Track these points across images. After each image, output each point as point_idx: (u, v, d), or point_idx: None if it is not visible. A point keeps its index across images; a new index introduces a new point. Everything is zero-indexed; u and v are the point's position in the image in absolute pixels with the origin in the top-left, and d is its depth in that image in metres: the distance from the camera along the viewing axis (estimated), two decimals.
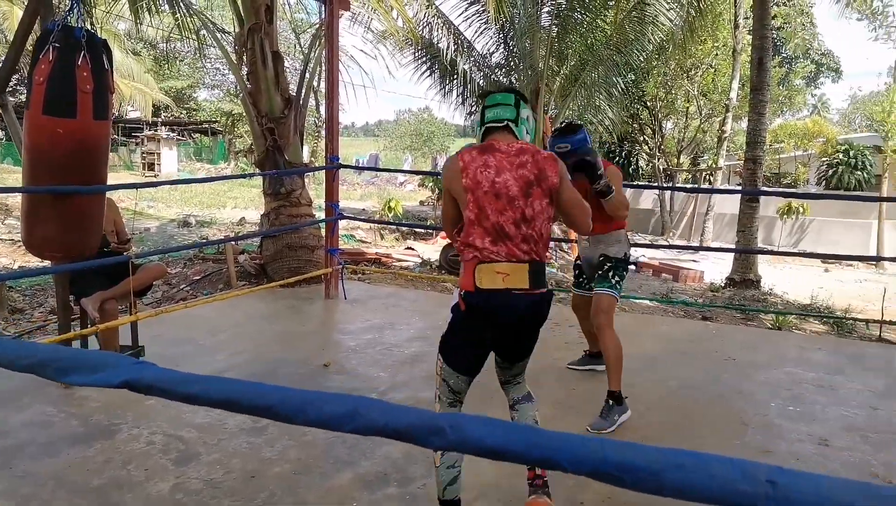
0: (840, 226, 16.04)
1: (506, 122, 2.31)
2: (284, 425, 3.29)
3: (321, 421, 0.72)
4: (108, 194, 3.73)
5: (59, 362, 0.87)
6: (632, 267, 3.71)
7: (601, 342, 3.43)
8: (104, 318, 3.72)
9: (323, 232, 6.36)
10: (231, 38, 7.87)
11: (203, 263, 7.48)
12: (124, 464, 2.84)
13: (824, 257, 9.98)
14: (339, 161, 5.91)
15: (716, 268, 11.89)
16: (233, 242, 7.18)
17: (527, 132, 2.37)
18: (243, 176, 6.30)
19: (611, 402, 3.31)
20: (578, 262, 3.91)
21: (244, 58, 6.61)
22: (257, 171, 6.99)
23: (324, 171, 6.01)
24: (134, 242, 10.03)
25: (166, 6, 7.63)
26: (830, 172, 18.36)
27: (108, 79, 3.11)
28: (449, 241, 10.20)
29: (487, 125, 2.34)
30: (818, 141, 21.14)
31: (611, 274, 3.50)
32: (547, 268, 9.45)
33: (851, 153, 18.12)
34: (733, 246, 10.45)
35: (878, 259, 13.00)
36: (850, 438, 3.30)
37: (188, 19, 7.76)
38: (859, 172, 17.94)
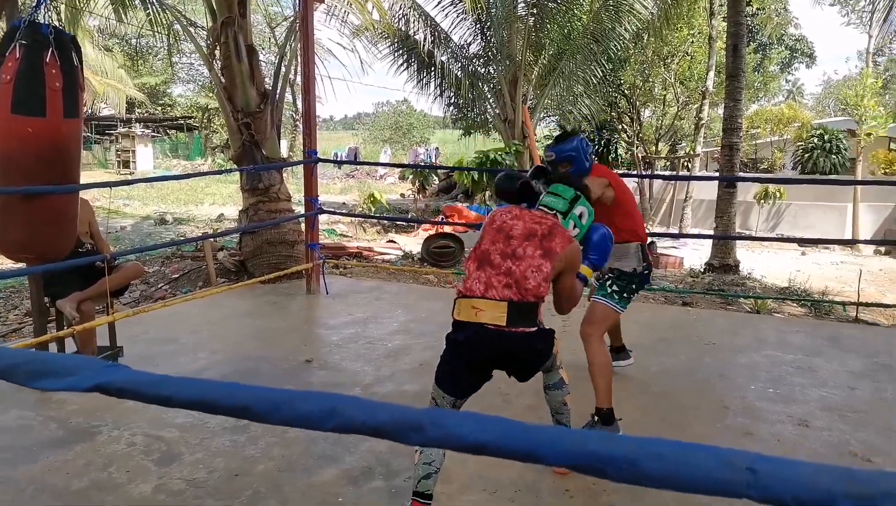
0: (816, 209, 16.27)
1: (555, 213, 2.49)
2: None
3: (298, 420, 0.71)
4: (82, 194, 3.67)
5: (29, 367, 0.85)
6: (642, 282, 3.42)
7: (587, 354, 3.16)
8: (81, 319, 3.66)
9: (303, 227, 6.32)
10: (205, 32, 7.75)
11: (181, 260, 7.39)
12: (105, 466, 2.80)
13: (800, 241, 10.13)
14: (318, 155, 5.86)
15: (695, 254, 12.01)
16: (211, 239, 7.10)
17: (574, 227, 2.49)
18: (219, 172, 6.24)
19: (596, 418, 3.06)
20: None
21: (218, 52, 6.51)
22: (234, 166, 6.91)
23: (302, 165, 5.95)
24: (109, 241, 9.90)
25: (138, 1, 7.52)
26: (806, 156, 18.58)
27: (79, 76, 3.05)
28: (431, 232, 10.18)
29: (543, 209, 2.52)
30: (793, 126, 21.40)
31: (609, 283, 3.28)
32: None
33: (826, 137, 18.34)
34: (711, 232, 10.54)
35: (852, 242, 13.21)
36: (828, 418, 3.36)
37: (161, 15, 7.65)
38: (834, 156, 18.17)
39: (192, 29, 8.04)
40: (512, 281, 2.25)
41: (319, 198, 5.98)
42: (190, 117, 30.32)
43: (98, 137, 29.62)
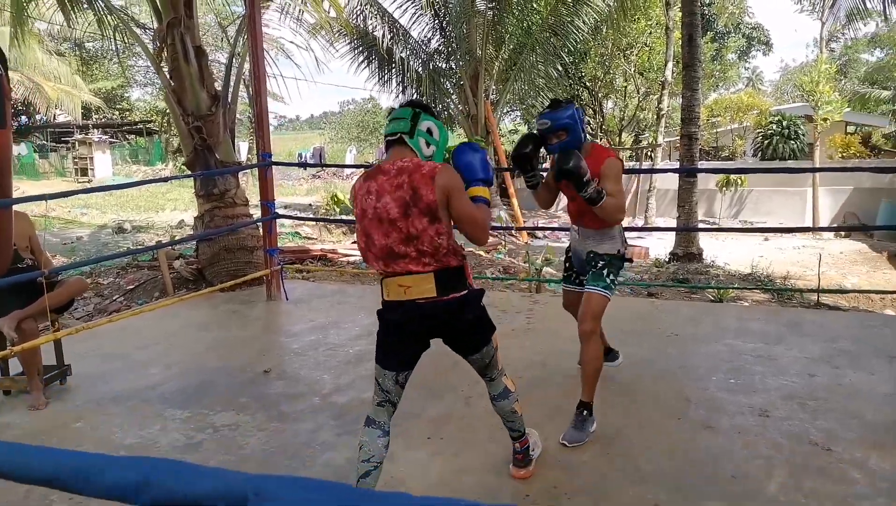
0: (777, 195, 16.53)
1: (399, 135, 2.30)
2: (221, 439, 3.11)
3: (106, 491, 0.62)
4: (22, 207, 3.50)
5: None
6: (627, 263, 3.33)
7: (584, 350, 3.06)
8: (22, 338, 3.50)
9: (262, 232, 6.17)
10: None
11: (138, 271, 7.17)
12: (46, 495, 2.66)
13: (761, 231, 10.24)
14: (272, 158, 5.72)
15: (660, 243, 12.10)
16: (166, 248, 6.91)
17: (427, 144, 2.33)
18: (165, 179, 6.01)
19: (585, 412, 3.03)
20: (569, 253, 3.48)
21: (165, 54, 6.32)
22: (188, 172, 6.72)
23: (259, 169, 5.80)
24: (65, 252, 9.61)
25: (85, 2, 7.26)
26: (765, 142, 18.84)
27: (2, 83, 2.88)
28: None
29: (387, 139, 2.36)
30: (752, 113, 21.71)
31: (605, 272, 3.11)
32: (495, 254, 9.34)
33: (784, 124, 18.61)
34: (674, 222, 10.61)
35: (811, 230, 13.44)
36: (788, 407, 3.36)
37: (108, 16, 7.40)
38: (793, 142, 18.45)
39: (139, 31, 7.80)
40: (428, 258, 2.22)
41: (286, 200, 5.86)
42: (149, 121, 29.68)
43: (54, 144, 28.85)
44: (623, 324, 4.91)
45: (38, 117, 28.43)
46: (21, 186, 19.13)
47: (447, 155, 2.44)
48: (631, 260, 3.30)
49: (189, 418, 3.39)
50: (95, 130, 27.09)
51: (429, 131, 2.33)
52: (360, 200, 2.29)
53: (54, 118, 27.46)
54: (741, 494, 2.56)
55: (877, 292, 7.89)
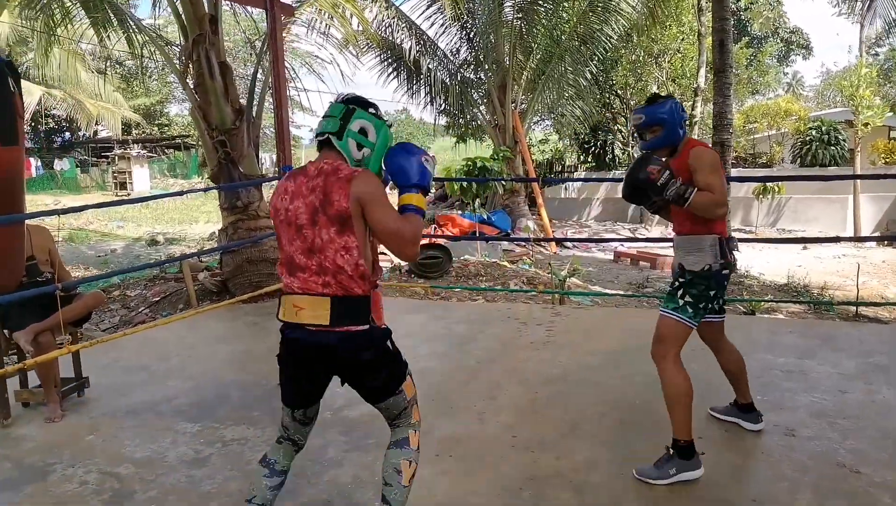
0: (817, 202, 16.05)
1: (326, 136, 2.05)
2: (228, 454, 3.10)
3: None
4: (35, 222, 3.55)
5: None
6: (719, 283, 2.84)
7: (660, 378, 2.76)
8: (38, 351, 3.54)
9: None
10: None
11: (164, 283, 7.27)
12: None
13: (794, 242, 9.92)
14: (292, 170, 5.73)
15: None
16: (190, 260, 6.98)
17: (358, 147, 2.05)
18: (178, 193, 6.08)
19: (671, 452, 2.69)
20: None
21: (191, 70, 6.42)
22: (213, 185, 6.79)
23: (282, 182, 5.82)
24: (98, 265, 9.83)
25: (116, 23, 7.44)
26: (805, 149, 18.35)
27: (15, 101, 2.92)
28: (423, 242, 10.07)
29: (317, 140, 2.11)
30: (791, 119, 21.18)
31: (680, 292, 2.76)
32: (520, 265, 9.20)
33: (823, 129, 18.11)
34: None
35: (849, 240, 12.97)
36: (817, 426, 3.19)
37: (137, 35, 7.57)
38: (833, 148, 17.93)
39: (167, 48, 7.95)
40: (329, 278, 1.97)
41: None
42: (186, 136, 30.35)
43: (95, 159, 29.69)
44: (646, 338, 4.77)
45: (80, 133, 29.30)
46: (62, 200, 19.70)
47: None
48: (728, 276, 2.84)
49: (200, 431, 3.38)
50: (135, 145, 27.80)
51: (362, 132, 2.06)
52: (276, 198, 2.09)
53: (95, 134, 28.25)
54: None
55: None
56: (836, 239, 6.26)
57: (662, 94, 3.00)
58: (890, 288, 9.56)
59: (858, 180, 14.97)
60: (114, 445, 3.27)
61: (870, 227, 15.40)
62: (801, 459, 2.87)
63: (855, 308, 7.12)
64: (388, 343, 2.10)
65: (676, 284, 2.80)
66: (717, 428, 3.19)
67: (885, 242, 13.89)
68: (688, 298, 2.73)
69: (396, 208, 2.06)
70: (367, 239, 2.03)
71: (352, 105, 2.08)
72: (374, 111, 2.11)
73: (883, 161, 17.91)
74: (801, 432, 3.12)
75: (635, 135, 2.91)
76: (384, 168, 2.14)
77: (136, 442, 3.28)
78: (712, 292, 2.76)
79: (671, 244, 3.00)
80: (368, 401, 2.14)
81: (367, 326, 2.01)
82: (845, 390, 3.64)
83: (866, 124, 15.67)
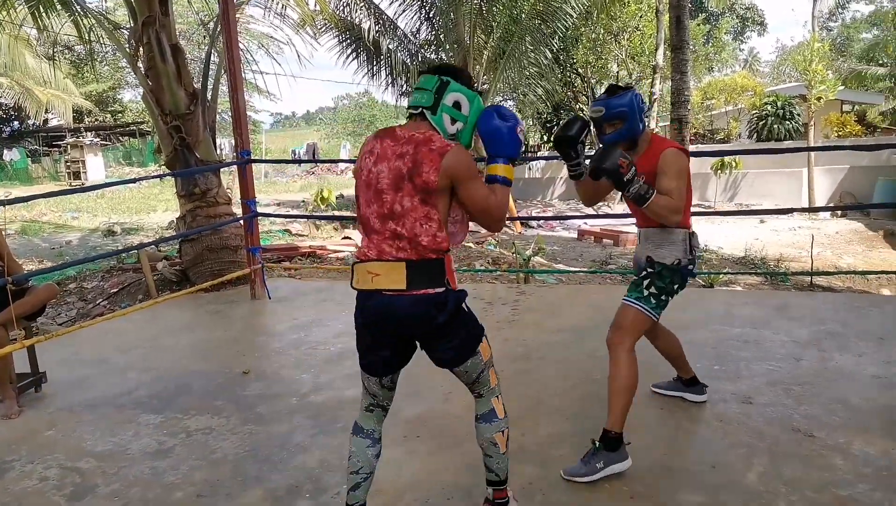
0: (772, 176, 16.43)
1: (421, 110, 2.03)
2: (193, 444, 3.05)
3: None
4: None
5: None
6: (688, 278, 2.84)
7: (610, 365, 2.68)
8: None
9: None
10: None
11: (122, 273, 7.11)
12: None
13: (750, 214, 10.16)
14: (250, 155, 5.64)
15: None
16: (148, 249, 6.84)
17: (452, 121, 2.04)
18: (135, 181, 5.88)
19: (598, 444, 2.60)
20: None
21: (141, 53, 6.23)
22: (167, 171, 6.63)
23: (244, 166, 5.71)
24: (52, 257, 9.54)
25: (59, 5, 7.15)
26: (760, 124, 18.73)
27: None
28: None
29: (409, 112, 2.08)
30: (747, 95, 21.57)
31: (646, 283, 2.72)
32: (485, 245, 9.25)
33: (779, 104, 18.51)
34: None
35: (803, 210, 13.31)
36: (773, 393, 3.29)
37: (83, 18, 7.29)
38: (788, 122, 18.34)
39: (117, 32, 7.69)
40: (404, 243, 1.97)
41: (280, 197, 5.80)
42: (141, 122, 29.57)
43: (47, 148, 28.75)
44: (609, 314, 4.84)
45: (29, 122, 28.31)
46: (13, 192, 19.06)
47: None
48: (694, 275, 2.84)
49: (163, 422, 3.33)
50: (88, 133, 26.97)
51: (456, 105, 2.03)
52: (362, 157, 2.06)
53: (46, 123, 27.33)
54: (720, 484, 2.49)
55: (870, 273, 7.81)
56: (790, 210, 6.41)
57: (622, 84, 2.97)
58: (843, 258, 9.87)
59: (813, 153, 15.34)
60: (74, 439, 3.20)
61: (824, 199, 15.83)
62: (758, 425, 2.95)
63: (809, 278, 7.33)
64: (464, 305, 2.10)
65: (643, 274, 2.77)
66: (677, 401, 3.26)
67: (839, 214, 14.29)
68: (653, 290, 2.72)
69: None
70: (448, 212, 2.04)
71: (445, 76, 2.04)
72: (467, 82, 2.07)
73: (836, 134, 18.40)
74: (757, 400, 3.21)
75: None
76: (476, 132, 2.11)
77: (97, 436, 3.22)
78: (676, 286, 2.76)
79: (633, 220, 3.01)
80: (444, 366, 2.13)
81: (443, 288, 2.01)
82: (800, 358, 3.75)
83: (819, 98, 16.04)
